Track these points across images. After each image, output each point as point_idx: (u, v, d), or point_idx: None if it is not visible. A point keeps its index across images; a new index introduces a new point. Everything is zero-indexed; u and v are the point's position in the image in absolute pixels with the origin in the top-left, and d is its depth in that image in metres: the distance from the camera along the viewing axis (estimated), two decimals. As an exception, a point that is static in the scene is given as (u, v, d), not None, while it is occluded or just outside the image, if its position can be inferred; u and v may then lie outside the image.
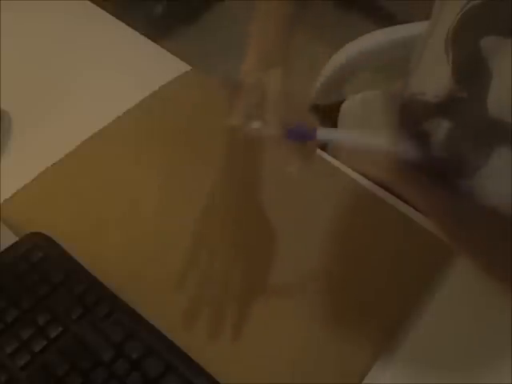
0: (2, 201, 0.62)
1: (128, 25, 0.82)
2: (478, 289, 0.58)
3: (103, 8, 0.84)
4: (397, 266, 0.59)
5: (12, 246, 0.57)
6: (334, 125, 0.89)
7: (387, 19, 1.85)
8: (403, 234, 0.62)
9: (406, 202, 0.63)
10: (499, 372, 0.53)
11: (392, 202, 0.64)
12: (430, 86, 0.59)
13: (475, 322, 0.56)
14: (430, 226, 0.62)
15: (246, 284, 0.58)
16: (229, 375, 0.51)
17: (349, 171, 0.67)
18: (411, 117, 0.64)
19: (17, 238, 0.58)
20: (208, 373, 0.50)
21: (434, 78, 0.58)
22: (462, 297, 0.58)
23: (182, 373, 0.50)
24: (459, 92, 0.55)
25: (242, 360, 0.53)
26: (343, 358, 0.53)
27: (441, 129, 0.58)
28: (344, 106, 0.89)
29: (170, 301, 0.56)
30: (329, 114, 0.89)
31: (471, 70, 0.53)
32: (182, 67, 0.76)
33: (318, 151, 0.69)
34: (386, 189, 0.65)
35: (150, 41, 0.80)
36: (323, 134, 0.50)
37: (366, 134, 0.51)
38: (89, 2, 0.84)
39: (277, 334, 0.54)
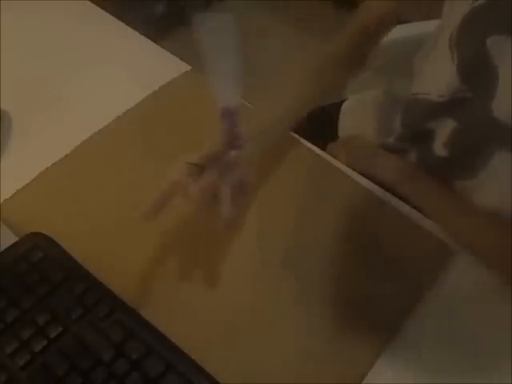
0: (2, 201, 0.62)
1: (128, 25, 0.82)
2: (477, 289, 0.58)
3: (103, 8, 0.84)
4: (397, 266, 0.59)
5: (12, 245, 0.57)
6: (335, 125, 0.89)
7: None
8: (404, 234, 0.62)
9: (406, 202, 0.63)
10: (499, 372, 0.53)
11: (393, 202, 0.64)
12: (434, 86, 0.58)
13: (475, 322, 0.56)
14: (430, 226, 0.62)
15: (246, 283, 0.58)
16: (229, 375, 0.51)
17: (349, 171, 0.67)
18: (415, 116, 0.64)
19: (17, 238, 0.58)
20: (208, 373, 0.50)
21: (438, 77, 0.58)
22: (462, 297, 0.58)
23: (182, 373, 0.50)
24: (464, 92, 0.54)
25: (242, 360, 0.53)
26: (343, 358, 0.53)
27: (444, 128, 0.58)
28: (344, 106, 0.89)
29: (170, 301, 0.56)
30: (329, 114, 0.89)
31: (476, 70, 0.52)
32: (182, 67, 0.76)
33: (318, 151, 0.69)
34: (387, 189, 0.64)
35: (149, 41, 0.80)
36: None
37: None
38: (89, 2, 0.84)
39: (277, 334, 0.54)
